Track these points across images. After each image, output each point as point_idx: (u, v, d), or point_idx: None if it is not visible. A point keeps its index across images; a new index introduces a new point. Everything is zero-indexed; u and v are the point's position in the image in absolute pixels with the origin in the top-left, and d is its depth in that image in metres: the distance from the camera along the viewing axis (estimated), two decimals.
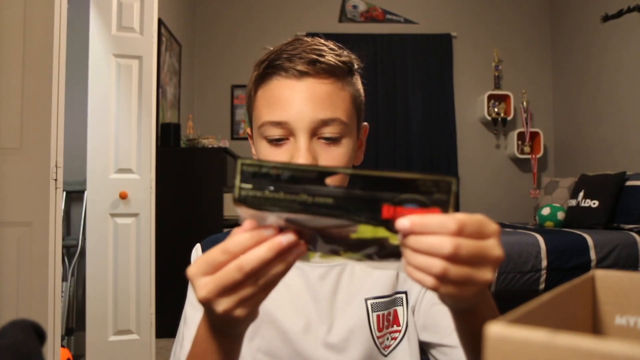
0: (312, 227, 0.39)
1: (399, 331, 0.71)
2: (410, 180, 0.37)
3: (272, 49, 0.69)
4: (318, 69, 0.65)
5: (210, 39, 4.46)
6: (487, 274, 0.37)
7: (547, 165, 4.58)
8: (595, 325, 0.38)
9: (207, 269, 0.40)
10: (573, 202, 3.32)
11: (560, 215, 3.31)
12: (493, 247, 0.37)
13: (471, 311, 0.44)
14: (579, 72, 4.16)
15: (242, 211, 0.39)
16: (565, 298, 0.33)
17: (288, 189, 0.38)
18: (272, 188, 0.38)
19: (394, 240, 0.38)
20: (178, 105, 3.75)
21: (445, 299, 0.42)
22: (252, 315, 0.44)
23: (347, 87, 0.68)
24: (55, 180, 1.80)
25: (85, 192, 2.72)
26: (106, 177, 2.51)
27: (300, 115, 0.63)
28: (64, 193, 2.93)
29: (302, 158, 0.62)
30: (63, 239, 2.38)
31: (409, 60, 4.47)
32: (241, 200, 0.38)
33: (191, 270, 0.41)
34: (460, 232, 0.36)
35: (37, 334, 0.43)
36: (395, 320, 0.71)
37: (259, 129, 0.66)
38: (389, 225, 0.37)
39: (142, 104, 2.57)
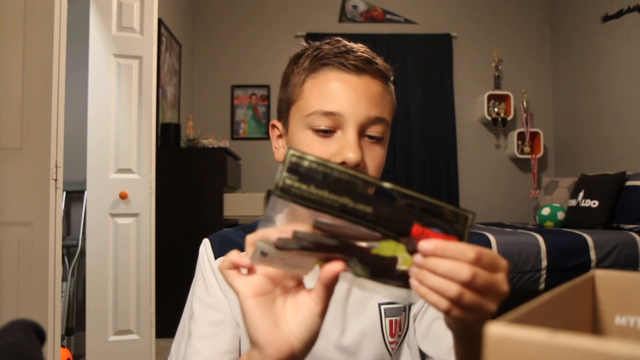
0: (341, 233, 0.39)
1: (399, 335, 0.71)
2: (439, 206, 0.39)
3: (309, 45, 0.70)
4: (374, 68, 0.66)
5: (210, 39, 4.46)
6: (492, 305, 0.40)
7: (547, 165, 4.58)
8: (595, 325, 0.38)
9: None
10: (573, 202, 3.32)
11: (560, 215, 3.31)
12: (502, 281, 0.40)
13: (473, 338, 0.46)
14: (579, 72, 4.16)
15: (279, 204, 0.38)
16: (565, 298, 0.33)
17: (333, 189, 0.38)
18: (318, 184, 0.38)
19: (406, 264, 0.40)
20: (178, 105, 3.75)
21: (451, 324, 0.44)
22: None
23: (390, 93, 0.70)
24: (55, 180, 1.80)
25: (85, 192, 2.72)
26: (106, 177, 2.51)
27: (355, 108, 0.63)
28: (64, 193, 2.93)
29: (352, 152, 0.62)
30: (63, 239, 2.38)
31: (409, 60, 4.46)
32: (284, 190, 0.37)
33: None
34: (477, 262, 0.38)
35: (37, 334, 0.43)
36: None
37: (305, 118, 0.66)
38: (411, 244, 0.39)
39: (142, 104, 2.57)
